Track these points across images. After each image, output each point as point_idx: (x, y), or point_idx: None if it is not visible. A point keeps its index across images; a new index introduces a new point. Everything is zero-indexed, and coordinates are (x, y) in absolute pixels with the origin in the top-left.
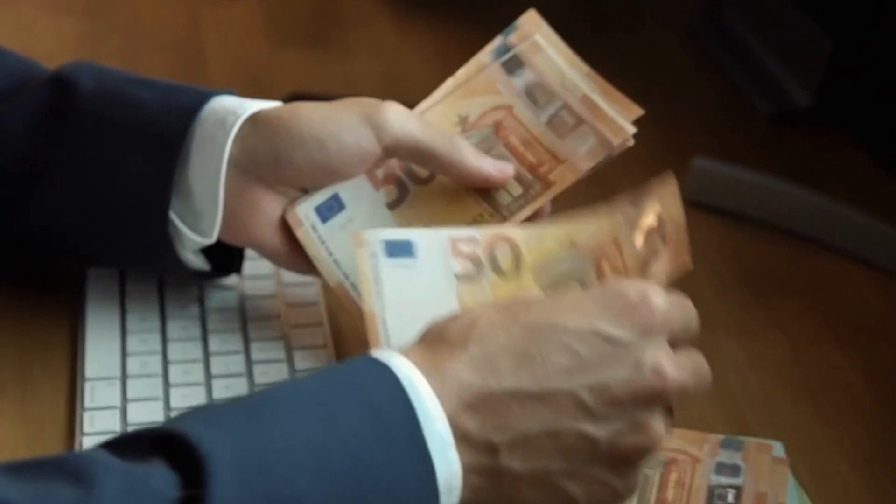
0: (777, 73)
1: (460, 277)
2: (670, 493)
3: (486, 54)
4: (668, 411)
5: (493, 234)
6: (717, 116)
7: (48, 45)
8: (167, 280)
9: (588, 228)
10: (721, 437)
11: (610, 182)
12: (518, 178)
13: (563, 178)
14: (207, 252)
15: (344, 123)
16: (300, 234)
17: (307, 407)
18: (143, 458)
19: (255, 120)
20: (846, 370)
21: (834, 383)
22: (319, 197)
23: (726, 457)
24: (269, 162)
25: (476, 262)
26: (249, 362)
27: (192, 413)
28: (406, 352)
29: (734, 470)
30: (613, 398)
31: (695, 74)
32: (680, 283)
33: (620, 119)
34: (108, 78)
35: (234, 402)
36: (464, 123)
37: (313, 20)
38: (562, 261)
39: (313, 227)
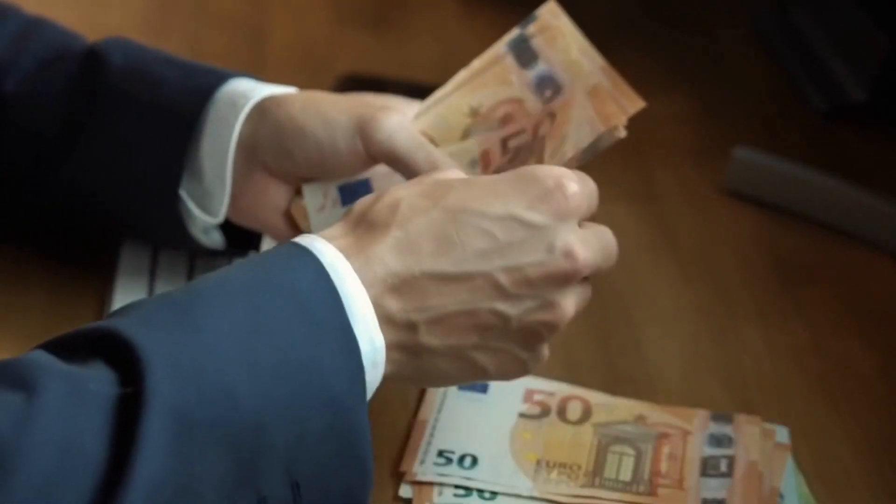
0: (834, 69)
1: None
2: (664, 466)
3: (502, 45)
4: (581, 283)
5: None
6: (772, 109)
7: (118, 18)
8: (198, 254)
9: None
10: (710, 412)
11: (651, 169)
12: (520, 160)
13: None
14: (227, 229)
15: (339, 126)
16: (303, 226)
17: (234, 299)
18: (82, 357)
19: (265, 106)
20: (863, 360)
21: (849, 372)
22: (327, 185)
23: (716, 429)
24: (272, 149)
25: None
26: None
27: (127, 310)
28: (330, 236)
29: (725, 441)
30: (526, 279)
31: (755, 68)
32: (708, 268)
33: (618, 124)
34: (137, 55)
35: (165, 298)
36: (475, 114)
37: (378, 2)
38: (506, 174)
39: (322, 208)
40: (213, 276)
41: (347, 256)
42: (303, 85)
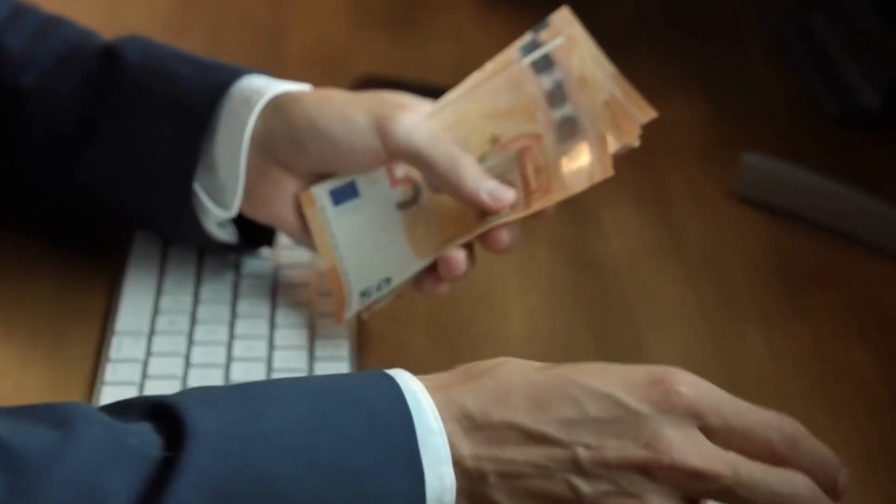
0: (849, 75)
1: (403, 204)
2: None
3: (514, 50)
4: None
5: None
6: (786, 114)
7: (140, 17)
8: (208, 250)
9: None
10: None
11: (662, 172)
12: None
13: (543, 203)
14: (241, 225)
15: (356, 124)
16: (308, 212)
17: (304, 400)
18: (132, 420)
19: (278, 102)
20: (864, 366)
21: (850, 378)
22: (337, 181)
23: None
24: (286, 145)
25: (414, 184)
26: (272, 327)
27: (192, 390)
28: (421, 376)
29: None
30: (604, 460)
31: (771, 74)
32: (714, 272)
33: (625, 134)
34: (154, 52)
35: (234, 386)
36: (495, 142)
37: (398, 4)
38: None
39: (323, 209)
40: (288, 378)
41: (431, 392)
42: (319, 85)
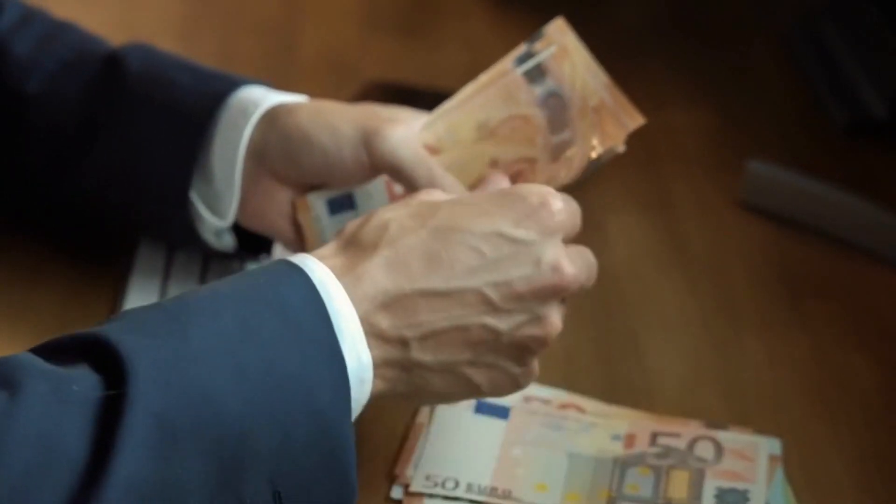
0: (857, 84)
1: None
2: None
3: (509, 60)
4: (564, 300)
5: None
6: (793, 122)
7: (153, 21)
8: (212, 256)
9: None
10: (703, 422)
11: (668, 179)
12: None
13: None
14: (240, 234)
15: (345, 136)
16: (303, 218)
17: (224, 310)
18: (70, 361)
19: (274, 114)
20: (862, 374)
21: (847, 386)
22: (335, 191)
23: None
24: (280, 156)
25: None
26: None
27: (118, 318)
28: (321, 255)
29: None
30: (515, 293)
31: (780, 82)
32: (716, 279)
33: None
34: (155, 60)
35: (156, 307)
36: (482, 129)
37: (409, 9)
38: (492, 193)
39: (317, 218)
40: (204, 287)
41: (338, 275)
42: (329, 90)
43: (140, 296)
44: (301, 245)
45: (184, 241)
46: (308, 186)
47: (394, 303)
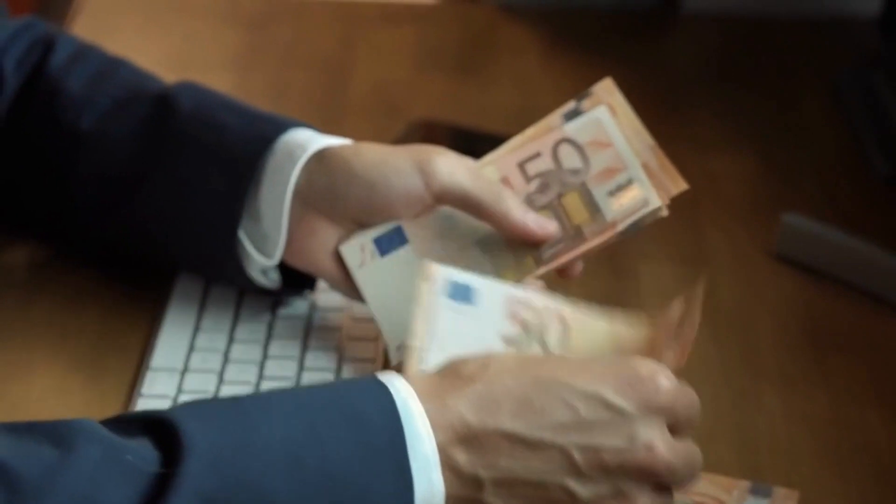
0: None
1: (508, 340)
2: None
3: (557, 116)
4: (660, 489)
5: (550, 308)
6: (835, 172)
7: (210, 54)
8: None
9: (633, 333)
10: (749, 483)
11: (704, 228)
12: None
13: (597, 238)
14: (285, 270)
15: (395, 168)
16: (350, 267)
17: (295, 411)
18: (133, 435)
19: (320, 156)
20: (878, 432)
21: (861, 443)
22: (380, 229)
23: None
24: (327, 196)
25: (526, 328)
26: (301, 368)
27: (189, 404)
28: (412, 378)
29: None
30: (602, 463)
31: (827, 131)
32: (741, 330)
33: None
34: (205, 101)
35: (230, 399)
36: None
37: (463, 49)
38: (603, 357)
39: (362, 264)
40: (284, 389)
41: (423, 399)
42: (378, 127)
43: (177, 322)
44: (347, 286)
45: (229, 277)
46: (354, 223)
47: (474, 439)
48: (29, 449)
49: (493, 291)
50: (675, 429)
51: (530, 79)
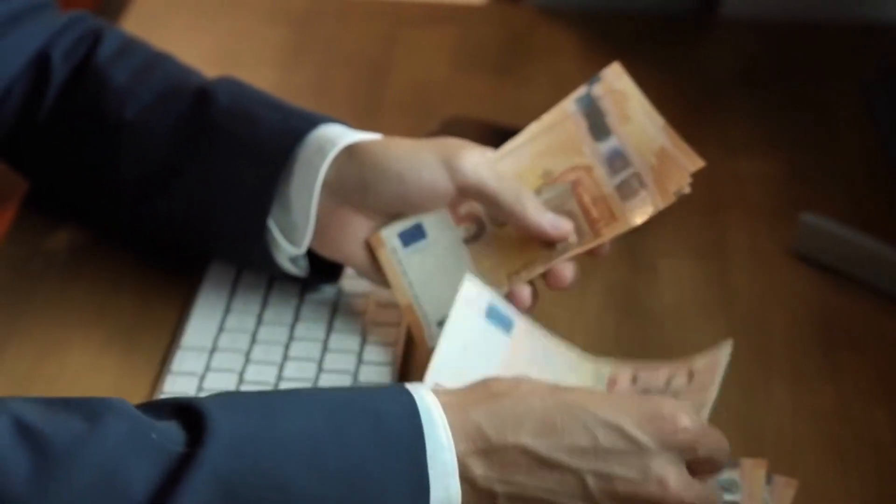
0: None
1: (467, 240)
2: None
3: (570, 102)
4: None
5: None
6: (858, 175)
7: (256, 50)
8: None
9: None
10: None
11: (726, 227)
12: (577, 230)
13: (613, 231)
14: (313, 259)
15: (424, 162)
16: (381, 254)
17: (320, 409)
18: (161, 418)
19: (350, 150)
20: (882, 428)
21: (866, 438)
22: (404, 224)
23: (724, 474)
24: (357, 188)
25: (476, 221)
26: (325, 349)
27: (219, 394)
28: (439, 390)
29: (733, 486)
30: (613, 491)
31: (852, 134)
32: (755, 326)
33: (675, 182)
34: (241, 96)
35: (258, 393)
36: (547, 177)
37: (501, 49)
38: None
39: (394, 250)
40: (311, 388)
41: (447, 409)
42: (414, 124)
43: (208, 304)
44: (375, 273)
45: (260, 265)
46: (382, 215)
47: (493, 452)
48: (61, 419)
49: (434, 214)
50: (696, 469)
51: (566, 79)
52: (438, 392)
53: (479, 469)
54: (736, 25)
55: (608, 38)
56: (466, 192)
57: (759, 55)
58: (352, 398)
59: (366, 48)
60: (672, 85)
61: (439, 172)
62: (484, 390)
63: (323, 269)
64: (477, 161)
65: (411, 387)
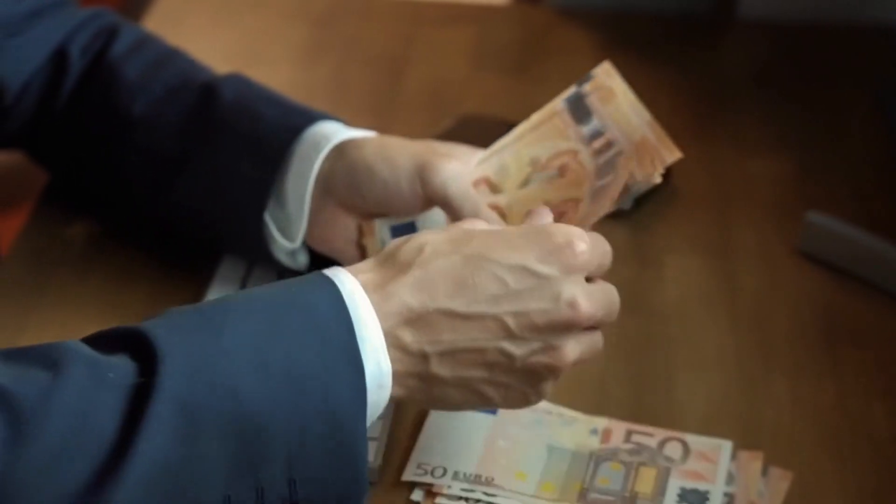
0: None
1: None
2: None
3: (559, 101)
4: (588, 331)
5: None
6: (868, 176)
7: (274, 49)
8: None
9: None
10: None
11: (733, 225)
12: (569, 218)
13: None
14: (314, 254)
15: (402, 169)
16: (368, 242)
17: (255, 313)
18: (112, 350)
19: (343, 147)
20: (880, 423)
21: (864, 433)
22: (400, 219)
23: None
24: (345, 187)
25: None
26: None
27: (160, 316)
28: (356, 270)
29: (728, 477)
30: (532, 324)
31: (864, 135)
32: (758, 322)
33: (654, 171)
34: (246, 92)
35: (195, 308)
36: (534, 164)
37: (519, 49)
38: (522, 228)
39: (382, 242)
40: (242, 292)
41: (367, 290)
42: (429, 122)
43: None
44: None
45: (258, 258)
46: (370, 215)
47: (418, 319)
48: (24, 373)
49: (431, 214)
50: (591, 277)
51: (581, 75)
52: (356, 272)
53: (407, 337)
54: (752, 27)
55: (625, 39)
56: (433, 202)
57: (774, 56)
58: (282, 295)
59: (385, 47)
60: (687, 85)
61: (413, 181)
62: (390, 262)
63: (323, 265)
64: (448, 175)
65: (331, 273)
